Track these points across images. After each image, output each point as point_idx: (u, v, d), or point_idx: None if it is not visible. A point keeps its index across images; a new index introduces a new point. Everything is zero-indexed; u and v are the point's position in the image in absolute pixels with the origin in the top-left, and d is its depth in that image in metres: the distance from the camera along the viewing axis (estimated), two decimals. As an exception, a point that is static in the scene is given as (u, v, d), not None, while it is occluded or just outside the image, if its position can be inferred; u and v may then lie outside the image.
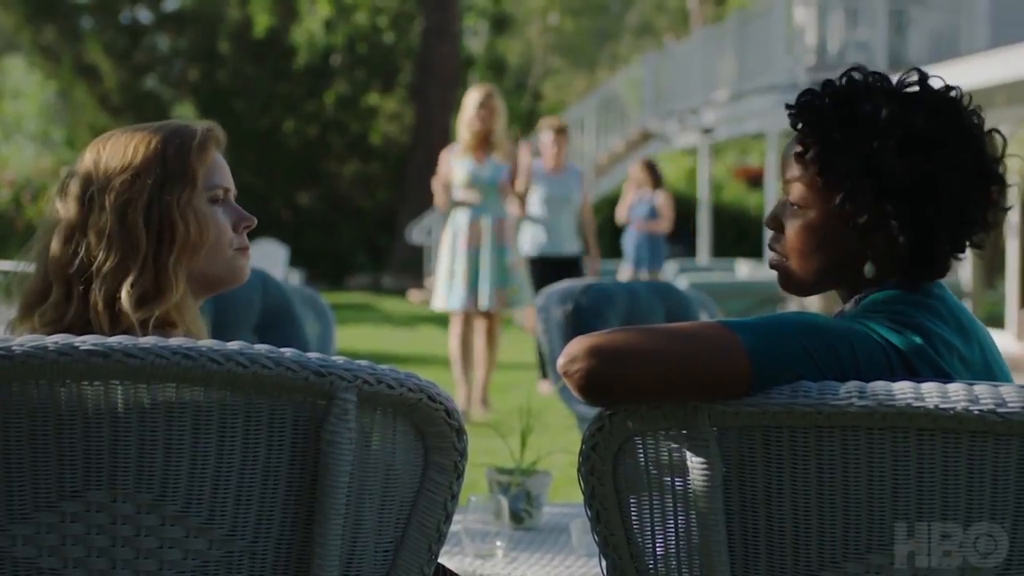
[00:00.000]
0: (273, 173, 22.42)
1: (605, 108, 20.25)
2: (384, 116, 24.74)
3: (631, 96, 21.02)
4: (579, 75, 37.38)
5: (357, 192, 24.55)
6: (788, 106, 2.02)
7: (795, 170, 1.99)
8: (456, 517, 2.35)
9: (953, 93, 1.97)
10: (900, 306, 1.89)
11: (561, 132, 9.56)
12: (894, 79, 1.99)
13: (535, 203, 9.25)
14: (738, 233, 21.65)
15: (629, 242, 12.15)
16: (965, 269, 14.37)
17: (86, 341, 1.65)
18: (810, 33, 17.19)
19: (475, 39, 27.64)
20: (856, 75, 1.98)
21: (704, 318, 5.22)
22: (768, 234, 2.06)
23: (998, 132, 1.99)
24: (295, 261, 19.56)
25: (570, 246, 9.56)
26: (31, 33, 23.70)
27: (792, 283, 2.02)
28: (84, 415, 1.67)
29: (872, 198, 1.91)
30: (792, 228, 1.99)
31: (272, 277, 3.63)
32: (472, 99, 8.21)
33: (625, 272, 12.13)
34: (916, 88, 1.97)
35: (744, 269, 15.58)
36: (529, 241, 9.39)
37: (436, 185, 8.30)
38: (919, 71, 1.99)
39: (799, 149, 1.98)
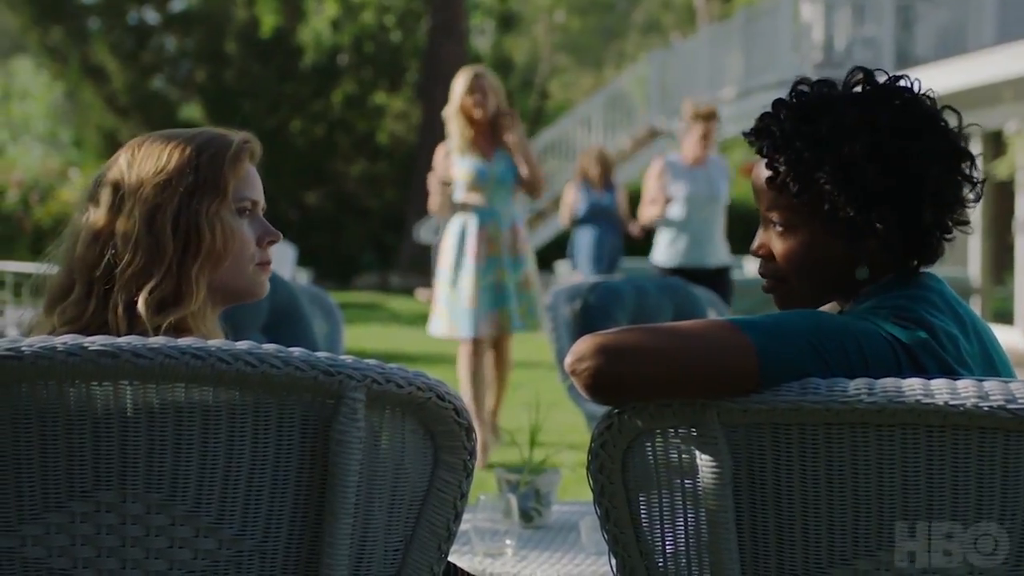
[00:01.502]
0: (280, 173, 22.43)
1: (612, 106, 20.23)
2: (391, 115, 24.75)
3: (638, 94, 21.00)
4: (586, 73, 37.38)
5: (364, 191, 24.55)
6: (745, 133, 2.02)
7: (770, 195, 1.98)
8: (465, 516, 2.35)
9: (903, 82, 1.96)
10: (902, 301, 1.89)
11: (711, 119, 7.75)
12: (839, 83, 1.98)
13: (674, 203, 7.71)
14: (745, 231, 21.54)
15: (587, 240, 10.91)
16: (974, 265, 14.36)
17: (95, 341, 1.65)
18: (817, 30, 17.18)
19: (482, 38, 27.65)
20: (804, 88, 1.98)
21: (713, 316, 5.21)
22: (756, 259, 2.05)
23: (951, 108, 1.98)
24: (302, 261, 19.57)
25: (717, 255, 7.83)
26: (38, 34, 23.74)
27: (792, 304, 2.01)
28: (93, 415, 1.67)
29: (856, 205, 1.90)
30: (782, 251, 1.99)
31: (280, 277, 3.63)
32: (460, 86, 6.74)
33: (577, 276, 10.84)
34: (866, 86, 1.96)
35: (752, 267, 15.56)
36: (664, 249, 7.82)
37: (431, 184, 6.82)
38: (862, 69, 1.97)
39: (769, 175, 1.97)
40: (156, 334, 1.93)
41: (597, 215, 10.96)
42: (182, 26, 24.75)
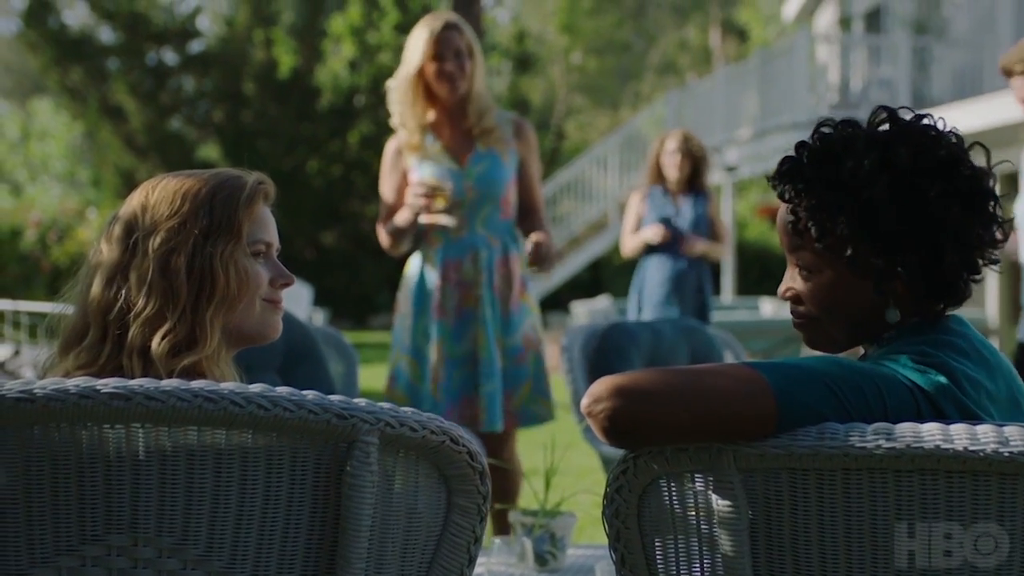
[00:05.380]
0: (297, 213, 22.50)
1: (628, 146, 20.28)
2: (408, 156, 24.80)
3: (654, 134, 21.04)
4: (602, 114, 37.50)
5: (381, 231, 24.60)
6: (768, 177, 2.01)
7: (793, 239, 1.98)
8: (480, 559, 2.34)
9: (927, 120, 1.95)
10: (924, 346, 1.87)
11: None
12: (865, 121, 1.97)
13: None
14: (762, 271, 21.63)
15: (655, 275, 6.91)
16: (991, 306, 14.31)
17: (108, 384, 1.64)
18: (833, 71, 17.22)
19: (498, 78, 27.75)
20: (827, 130, 1.97)
21: (729, 358, 5.19)
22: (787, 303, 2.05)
23: (981, 145, 1.97)
24: (319, 300, 19.60)
25: None
26: (58, 75, 23.90)
27: (822, 344, 2.00)
28: (105, 458, 1.66)
29: (879, 247, 1.89)
30: (809, 294, 1.98)
31: (295, 317, 3.63)
32: (418, 41, 4.15)
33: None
34: (889, 125, 1.95)
35: (768, 307, 15.54)
36: None
37: (382, 207, 4.36)
38: (886, 108, 1.96)
39: (791, 219, 1.96)
40: (169, 378, 1.92)
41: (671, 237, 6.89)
42: (200, 67, 24.89)
